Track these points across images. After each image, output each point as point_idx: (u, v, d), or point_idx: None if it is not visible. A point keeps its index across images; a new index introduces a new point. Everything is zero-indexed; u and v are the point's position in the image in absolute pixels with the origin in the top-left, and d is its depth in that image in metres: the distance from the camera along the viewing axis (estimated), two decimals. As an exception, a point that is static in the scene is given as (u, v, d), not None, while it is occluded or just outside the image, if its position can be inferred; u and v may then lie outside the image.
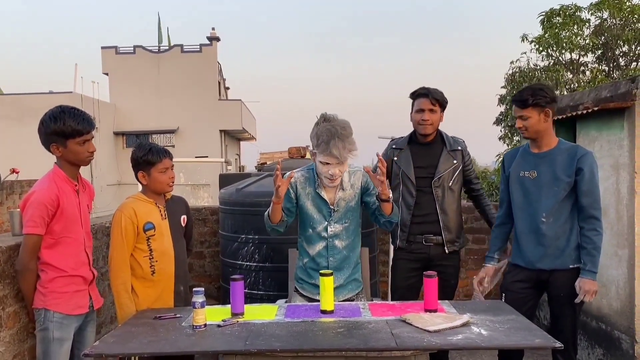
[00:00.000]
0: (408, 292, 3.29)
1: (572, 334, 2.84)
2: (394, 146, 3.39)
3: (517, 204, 2.93)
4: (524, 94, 2.83)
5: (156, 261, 2.72)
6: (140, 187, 2.82)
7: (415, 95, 3.26)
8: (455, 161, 3.27)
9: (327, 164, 2.56)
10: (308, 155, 4.51)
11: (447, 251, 3.25)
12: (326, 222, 2.70)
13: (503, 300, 2.94)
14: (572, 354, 2.84)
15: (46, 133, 2.46)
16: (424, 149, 3.30)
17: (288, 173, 2.64)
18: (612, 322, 3.58)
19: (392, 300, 3.27)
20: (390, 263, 3.60)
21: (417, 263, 3.29)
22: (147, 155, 2.72)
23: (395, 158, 3.32)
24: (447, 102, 3.26)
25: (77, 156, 2.51)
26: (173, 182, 2.81)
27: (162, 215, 2.79)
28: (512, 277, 2.97)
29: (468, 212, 4.98)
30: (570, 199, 2.80)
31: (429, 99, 3.18)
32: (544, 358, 3.84)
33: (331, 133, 2.52)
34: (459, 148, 3.32)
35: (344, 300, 2.72)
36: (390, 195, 2.60)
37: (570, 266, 2.81)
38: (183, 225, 2.94)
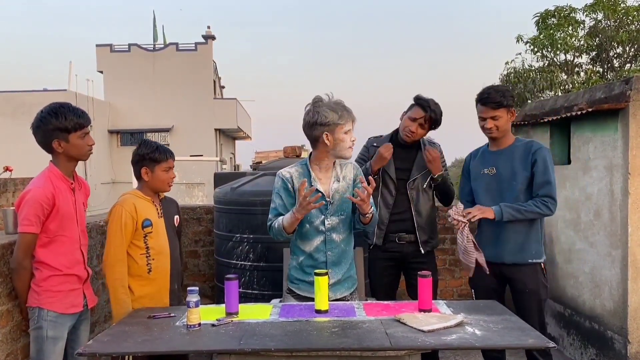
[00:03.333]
0: (386, 291, 3.35)
1: (540, 328, 2.89)
2: (374, 144, 3.40)
3: (480, 201, 3.01)
4: (495, 95, 2.90)
5: (153, 259, 2.73)
6: (135, 185, 2.83)
7: (417, 103, 3.24)
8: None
9: (349, 131, 2.64)
10: (304, 155, 4.51)
11: (422, 251, 3.31)
12: (323, 216, 2.69)
13: (473, 295, 3.08)
14: (547, 349, 2.89)
15: (47, 130, 2.45)
16: (402, 151, 3.33)
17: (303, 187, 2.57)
18: (605, 322, 3.60)
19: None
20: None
21: (391, 261, 3.36)
22: (154, 152, 2.75)
23: None
24: (439, 125, 3.27)
25: (79, 150, 2.52)
26: (172, 183, 2.84)
27: (158, 213, 2.81)
28: (478, 273, 3.01)
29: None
30: (529, 193, 2.91)
31: (425, 116, 3.19)
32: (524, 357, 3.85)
33: (342, 104, 2.65)
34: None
35: (340, 299, 2.71)
36: (372, 209, 2.65)
37: (529, 261, 2.92)
38: (176, 224, 2.96)
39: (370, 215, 2.65)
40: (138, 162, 2.77)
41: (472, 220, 2.83)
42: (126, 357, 2.44)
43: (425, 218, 3.33)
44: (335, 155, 2.68)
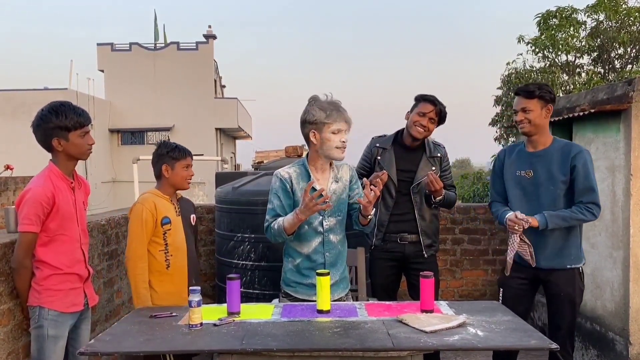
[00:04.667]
0: (387, 291, 3.36)
1: (569, 332, 2.87)
2: (377, 144, 3.39)
3: (515, 203, 2.93)
4: (530, 86, 2.84)
5: (171, 255, 2.83)
6: (137, 188, 2.83)
7: (423, 99, 3.24)
8: (434, 168, 3.30)
9: (339, 131, 2.60)
10: (304, 155, 4.51)
11: (425, 255, 3.31)
12: (321, 217, 2.68)
13: (501, 295, 2.99)
14: (570, 351, 2.86)
15: (47, 128, 2.44)
16: (405, 153, 3.33)
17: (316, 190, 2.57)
18: (607, 323, 3.60)
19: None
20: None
21: (393, 262, 3.36)
22: (173, 151, 2.87)
23: (379, 157, 3.35)
24: (444, 122, 3.29)
25: (79, 149, 2.51)
26: (191, 180, 2.95)
27: (176, 211, 2.90)
28: (511, 273, 2.97)
29: (463, 212, 5.01)
30: (568, 197, 2.81)
31: (435, 109, 3.20)
32: (538, 358, 3.85)
33: (335, 103, 2.63)
34: (439, 155, 3.35)
35: (336, 300, 2.70)
36: (372, 213, 2.63)
37: (568, 266, 2.83)
38: (193, 223, 3.05)
39: (371, 217, 2.65)
40: (158, 161, 2.88)
41: (520, 230, 2.78)
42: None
43: (428, 222, 3.33)
44: (324, 155, 2.65)
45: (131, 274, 2.78)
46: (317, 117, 2.59)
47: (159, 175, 2.90)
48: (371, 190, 2.53)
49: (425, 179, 3.16)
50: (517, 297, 2.89)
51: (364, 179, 2.81)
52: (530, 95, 2.79)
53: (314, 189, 2.59)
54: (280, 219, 2.62)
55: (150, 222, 2.76)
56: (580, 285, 2.86)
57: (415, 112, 3.23)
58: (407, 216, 3.30)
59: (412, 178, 3.28)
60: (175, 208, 2.90)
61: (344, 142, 2.61)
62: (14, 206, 2.60)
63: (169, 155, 2.86)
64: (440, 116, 3.22)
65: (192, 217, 3.06)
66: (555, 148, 2.85)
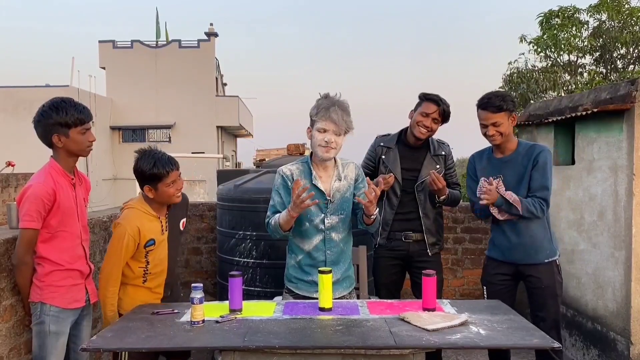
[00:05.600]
0: (391, 289, 3.36)
1: (554, 323, 2.95)
2: (381, 144, 3.39)
3: (489, 206, 3.00)
4: (495, 100, 2.89)
5: (150, 273, 2.70)
6: (138, 186, 2.78)
7: (426, 99, 3.22)
8: (438, 166, 3.31)
9: (324, 131, 2.58)
10: (307, 153, 4.50)
11: (430, 253, 3.31)
12: (323, 214, 2.68)
13: (485, 293, 3.08)
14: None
15: (48, 124, 2.44)
16: (410, 152, 3.32)
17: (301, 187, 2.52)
18: (608, 323, 3.60)
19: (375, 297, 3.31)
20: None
21: (397, 260, 3.36)
22: (152, 169, 2.56)
23: (383, 157, 3.34)
24: (449, 119, 3.27)
25: (79, 146, 2.51)
26: (180, 192, 2.71)
27: (162, 229, 2.72)
28: (492, 270, 3.09)
29: (465, 211, 5.00)
30: None
31: (439, 109, 3.18)
32: (529, 355, 3.84)
33: (332, 102, 2.60)
34: (443, 153, 3.35)
35: (338, 299, 2.69)
36: (375, 213, 2.63)
37: (545, 260, 2.95)
38: (182, 228, 2.89)
39: (375, 216, 2.64)
40: (140, 180, 2.63)
41: (484, 204, 2.90)
42: (123, 353, 2.43)
43: (432, 221, 3.33)
44: (313, 152, 2.66)
45: (101, 294, 2.60)
46: (311, 113, 2.64)
47: (145, 194, 2.66)
48: (372, 190, 2.52)
49: (428, 177, 3.16)
50: (501, 294, 2.96)
51: (367, 178, 2.80)
52: (498, 109, 2.87)
53: (317, 188, 2.60)
54: (277, 216, 2.63)
55: (131, 248, 2.57)
56: (558, 277, 2.99)
57: (419, 112, 3.22)
58: (412, 215, 3.30)
59: (416, 177, 3.28)
60: (162, 225, 2.70)
61: (327, 141, 2.58)
62: (15, 202, 2.60)
63: (150, 175, 2.57)
64: (444, 116, 3.21)
65: (182, 222, 2.87)
66: (521, 152, 2.97)
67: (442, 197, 3.21)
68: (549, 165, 2.90)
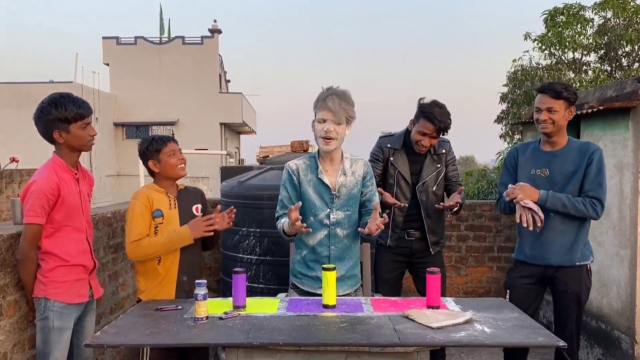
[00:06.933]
0: (391, 286, 3.36)
1: (575, 330, 2.86)
2: (388, 145, 3.36)
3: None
4: (557, 86, 2.79)
5: (152, 258, 2.71)
6: (142, 181, 2.81)
7: (424, 116, 3.14)
8: (439, 165, 3.31)
9: (323, 121, 2.57)
10: (310, 150, 4.50)
11: (432, 252, 3.32)
12: (328, 209, 2.67)
13: (507, 297, 2.95)
14: (575, 349, 2.85)
15: (48, 120, 2.44)
16: (412, 154, 3.32)
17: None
18: (612, 322, 3.58)
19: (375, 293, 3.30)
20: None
21: (400, 257, 3.37)
22: (152, 143, 2.78)
23: (391, 158, 3.33)
24: (449, 129, 3.21)
25: (80, 141, 2.51)
26: (184, 164, 2.84)
27: (170, 204, 2.78)
28: (517, 274, 2.96)
29: (469, 209, 4.99)
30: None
31: (435, 128, 3.13)
32: (546, 356, 3.84)
33: (330, 92, 2.60)
34: (443, 151, 3.34)
35: (342, 296, 2.69)
36: (377, 234, 2.58)
37: (577, 263, 2.81)
38: (196, 214, 2.88)
39: (375, 236, 2.63)
40: (144, 159, 2.81)
41: (514, 200, 2.74)
42: (145, 349, 2.44)
43: (434, 220, 3.33)
44: (317, 143, 2.67)
45: (149, 251, 2.66)
46: (313, 106, 2.65)
47: (151, 173, 2.84)
48: (376, 226, 2.48)
49: (429, 179, 3.24)
50: (525, 298, 2.85)
51: (376, 200, 2.76)
52: (557, 95, 2.75)
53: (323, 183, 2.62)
54: (284, 220, 2.64)
55: (145, 209, 2.69)
56: (587, 282, 2.85)
57: (417, 131, 3.19)
58: (414, 216, 3.31)
59: (417, 179, 3.30)
60: (170, 201, 2.78)
61: (325, 131, 2.57)
62: (19, 198, 2.60)
63: (150, 150, 2.78)
64: (442, 130, 3.18)
65: (196, 207, 2.90)
66: (572, 147, 2.83)
67: (454, 210, 3.22)
68: (604, 164, 2.77)
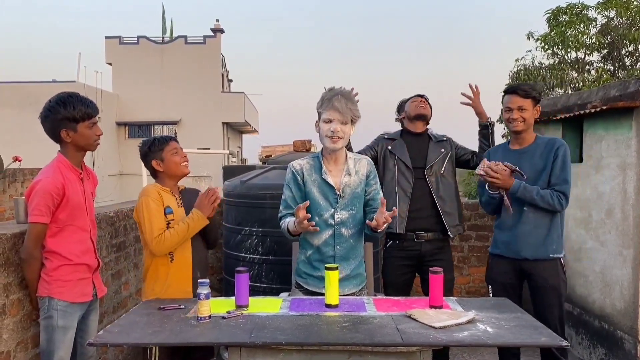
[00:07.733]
0: (401, 289, 3.36)
1: (559, 324, 2.93)
2: (385, 136, 3.48)
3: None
4: (525, 87, 2.98)
5: (175, 248, 2.76)
6: (145, 181, 2.83)
7: (414, 116, 3.41)
8: (443, 150, 3.39)
9: (329, 121, 2.60)
10: (313, 149, 4.50)
11: (451, 235, 3.33)
12: (332, 209, 2.68)
13: (490, 292, 3.06)
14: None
15: (56, 119, 2.45)
16: (414, 139, 3.41)
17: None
18: (615, 322, 3.58)
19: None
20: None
21: (408, 260, 3.37)
22: (154, 143, 2.82)
23: (389, 147, 3.40)
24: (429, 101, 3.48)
25: (87, 140, 2.52)
26: (187, 161, 2.88)
27: (178, 203, 2.84)
28: (496, 269, 3.07)
29: (472, 209, 4.99)
30: None
31: (422, 98, 3.42)
32: (535, 354, 3.83)
33: (335, 92, 2.62)
34: (444, 138, 3.45)
35: (347, 295, 2.69)
36: (383, 228, 2.59)
37: (551, 255, 2.92)
38: None
39: (381, 231, 2.63)
40: (146, 159, 2.84)
41: (488, 180, 2.88)
42: (153, 349, 2.46)
43: (449, 202, 3.34)
44: (322, 144, 2.69)
45: (173, 242, 2.69)
46: (317, 107, 2.66)
47: (154, 173, 2.87)
48: (384, 219, 2.50)
49: (438, 160, 3.35)
50: (506, 292, 2.94)
51: (381, 196, 2.77)
52: (527, 95, 2.93)
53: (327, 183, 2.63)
54: (289, 220, 2.64)
55: (158, 203, 2.72)
56: (563, 276, 2.96)
57: (409, 116, 3.46)
58: (425, 211, 3.31)
59: (424, 161, 3.34)
60: (176, 199, 2.84)
61: (332, 131, 2.59)
62: (23, 197, 2.61)
63: (153, 150, 2.81)
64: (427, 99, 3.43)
65: None
66: (539, 144, 2.98)
67: (485, 120, 3.46)
68: (569, 159, 2.91)
